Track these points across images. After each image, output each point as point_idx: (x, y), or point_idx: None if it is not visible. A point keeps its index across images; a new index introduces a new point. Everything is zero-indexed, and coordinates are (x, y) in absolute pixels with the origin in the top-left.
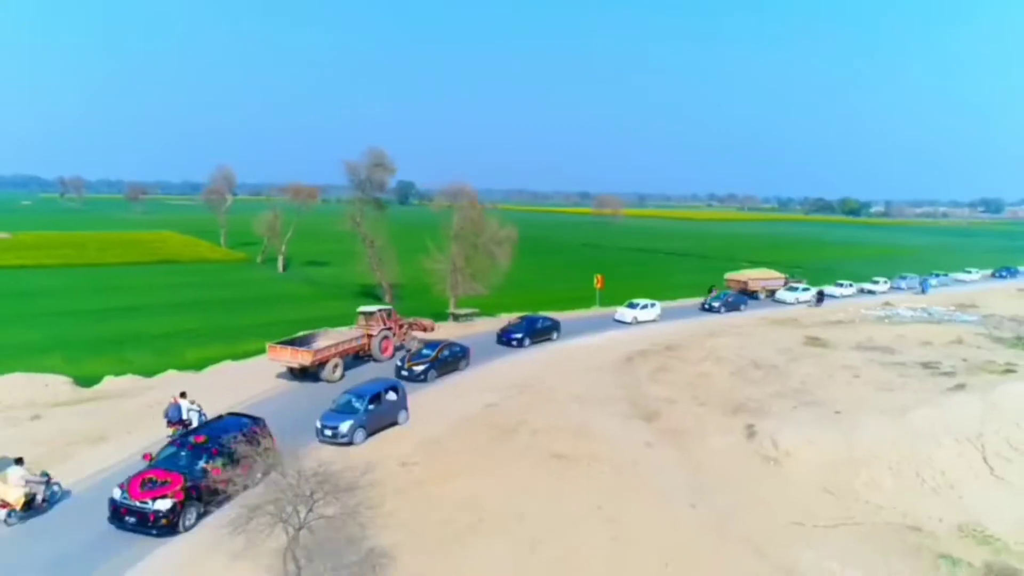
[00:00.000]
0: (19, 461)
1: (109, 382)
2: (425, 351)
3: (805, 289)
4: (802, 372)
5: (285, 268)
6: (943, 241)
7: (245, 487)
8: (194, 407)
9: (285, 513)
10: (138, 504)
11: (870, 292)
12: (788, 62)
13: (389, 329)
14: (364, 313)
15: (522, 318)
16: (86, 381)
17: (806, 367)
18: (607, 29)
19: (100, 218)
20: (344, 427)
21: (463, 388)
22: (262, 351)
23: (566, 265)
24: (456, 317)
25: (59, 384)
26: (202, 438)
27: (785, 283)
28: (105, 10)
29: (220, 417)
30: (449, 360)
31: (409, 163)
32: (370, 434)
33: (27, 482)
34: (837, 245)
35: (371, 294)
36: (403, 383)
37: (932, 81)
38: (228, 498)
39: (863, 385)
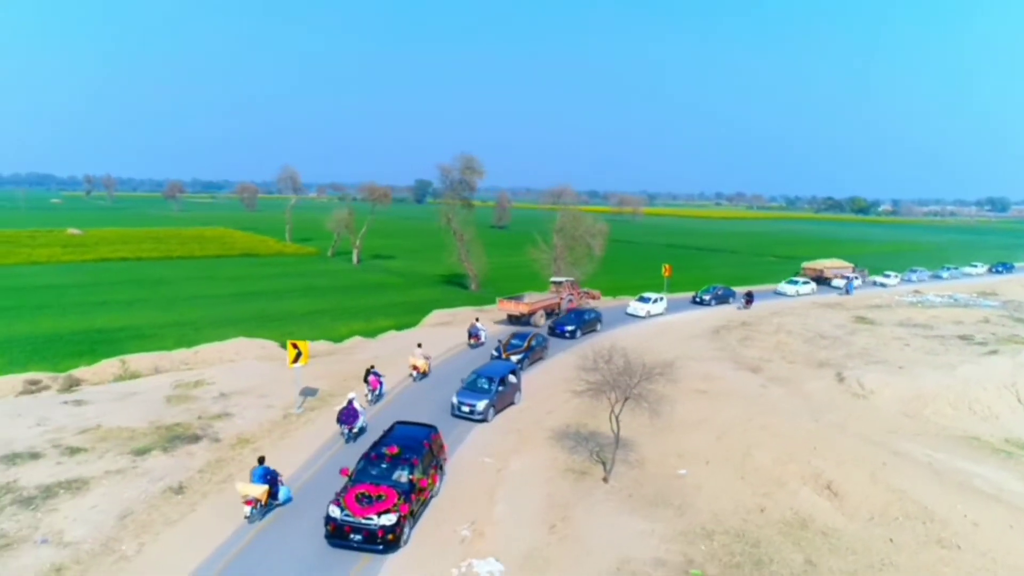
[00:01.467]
0: (261, 460)
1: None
2: (515, 341)
3: (805, 283)
4: (861, 342)
5: (359, 261)
6: (951, 238)
7: (432, 496)
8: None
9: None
10: (363, 521)
11: (881, 285)
12: (795, 63)
13: (571, 294)
14: (555, 282)
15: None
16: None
17: (863, 338)
18: (614, 29)
19: (144, 215)
20: (480, 405)
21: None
22: (394, 326)
23: (619, 258)
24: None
25: (273, 346)
26: (395, 449)
27: (854, 272)
28: (105, 10)
29: (392, 428)
30: (536, 348)
31: (423, 161)
32: (496, 412)
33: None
34: (850, 242)
35: (457, 282)
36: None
37: (939, 82)
38: (424, 507)
39: (913, 351)
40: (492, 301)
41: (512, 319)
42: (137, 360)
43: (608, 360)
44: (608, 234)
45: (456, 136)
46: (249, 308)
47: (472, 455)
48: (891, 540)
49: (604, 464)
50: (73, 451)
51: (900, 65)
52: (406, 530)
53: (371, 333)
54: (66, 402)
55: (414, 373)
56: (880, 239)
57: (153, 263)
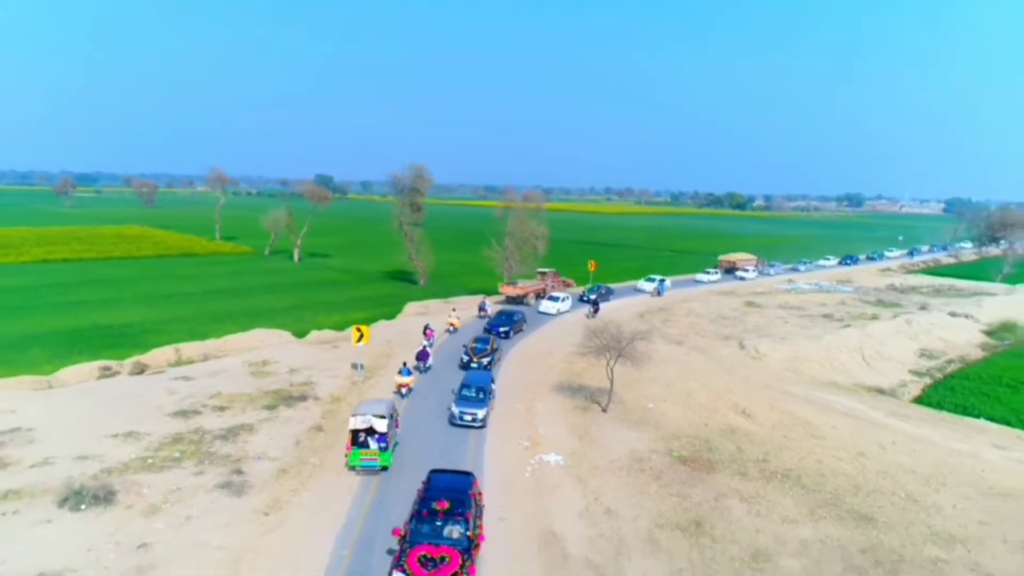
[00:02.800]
0: (405, 364)
1: (324, 333)
2: (479, 346)
3: (649, 280)
4: (753, 320)
5: (300, 259)
6: (816, 232)
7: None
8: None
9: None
10: None
11: (740, 278)
12: (677, 65)
13: (554, 282)
14: (540, 272)
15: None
16: (299, 335)
17: (754, 318)
18: (502, 24)
19: (39, 212)
20: (480, 414)
21: (533, 351)
22: (370, 319)
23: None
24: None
25: (288, 335)
26: (446, 504)
27: (756, 264)
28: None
29: (430, 479)
30: (498, 348)
31: (321, 155)
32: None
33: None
34: (732, 236)
35: (404, 278)
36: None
37: (807, 85)
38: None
39: (791, 326)
40: (442, 295)
41: (510, 300)
42: (185, 348)
43: (603, 332)
44: (548, 236)
45: (363, 130)
46: (228, 305)
47: (503, 405)
48: (784, 436)
49: (599, 403)
50: (221, 409)
51: (770, 69)
52: None
53: (360, 322)
54: (176, 378)
55: (451, 328)
56: (756, 233)
57: (96, 264)
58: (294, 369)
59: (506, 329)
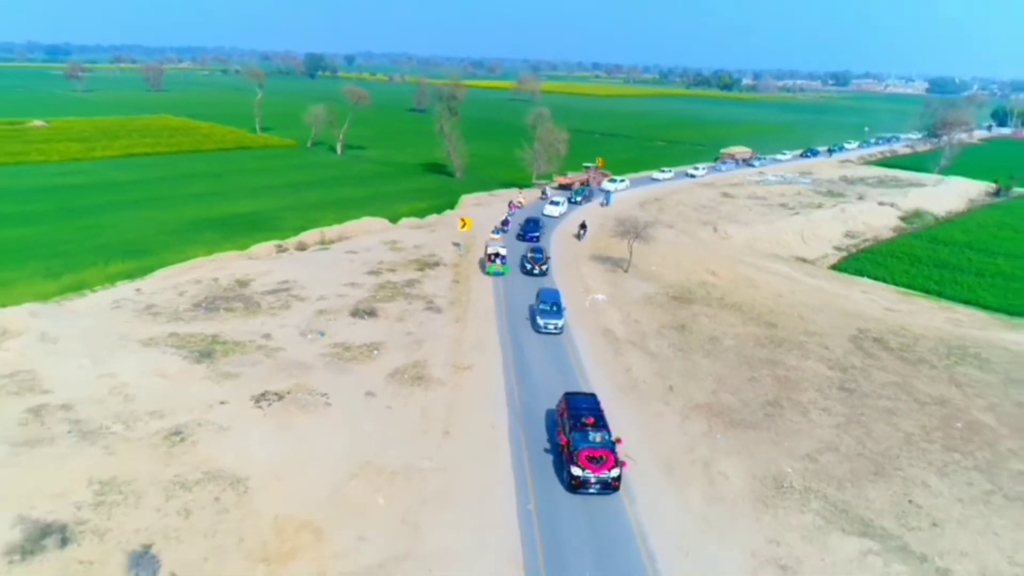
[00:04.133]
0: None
1: (412, 220)
2: (537, 256)
3: (622, 180)
4: (725, 209)
5: (343, 152)
6: (796, 119)
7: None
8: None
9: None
10: (602, 475)
11: (691, 175)
12: None
13: (596, 174)
14: (585, 166)
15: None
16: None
17: (727, 207)
18: None
19: (58, 97)
20: (560, 323)
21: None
22: (434, 208)
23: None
24: (537, 184)
25: (385, 222)
26: (592, 420)
27: (752, 156)
28: None
29: (568, 401)
30: (550, 256)
31: (311, 30)
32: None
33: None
34: (719, 124)
35: (440, 171)
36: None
37: None
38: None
39: (754, 214)
40: (479, 187)
41: (562, 186)
42: (326, 232)
43: (626, 220)
44: (568, 140)
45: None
46: (315, 196)
47: (560, 269)
48: (735, 286)
49: (622, 267)
50: (391, 270)
51: None
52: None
53: (419, 214)
54: (345, 252)
55: (520, 204)
56: (742, 120)
57: (172, 157)
58: (416, 246)
59: (536, 234)
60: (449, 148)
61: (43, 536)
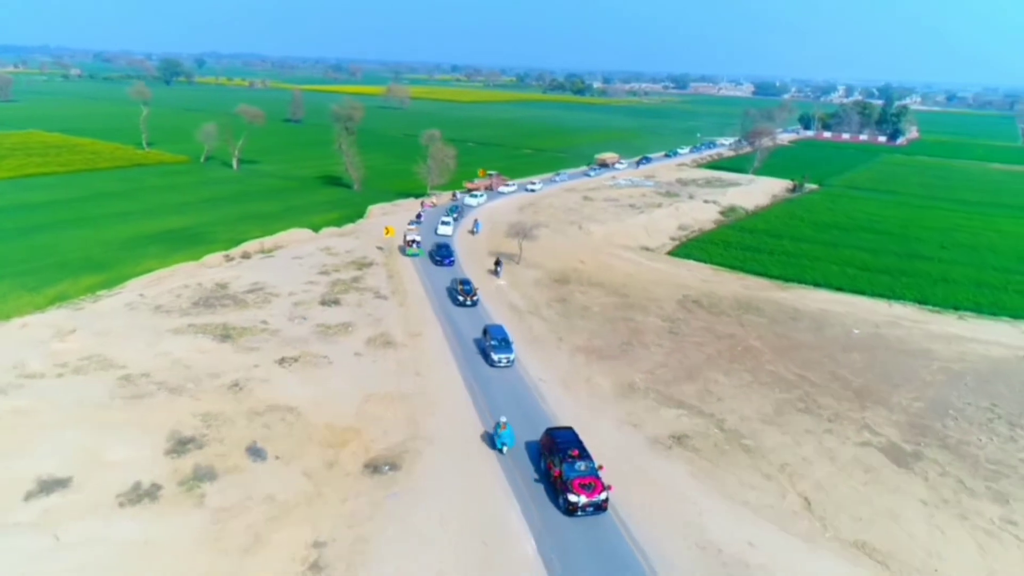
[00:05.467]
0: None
1: (336, 228)
2: (467, 288)
3: (481, 194)
4: (587, 211)
5: (239, 167)
6: (642, 124)
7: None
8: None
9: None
10: (594, 499)
11: (530, 189)
12: None
13: (498, 180)
14: (488, 173)
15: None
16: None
17: (588, 209)
18: None
19: None
20: (512, 356)
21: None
22: (347, 217)
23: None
24: (429, 195)
25: (309, 232)
26: (576, 452)
27: (619, 161)
28: None
29: (553, 436)
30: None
31: (147, 31)
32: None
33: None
34: (576, 132)
35: (338, 183)
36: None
37: None
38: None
39: (609, 214)
40: (378, 198)
41: (470, 191)
42: (271, 240)
43: (520, 224)
44: (455, 156)
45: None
46: (232, 211)
47: (467, 261)
48: (598, 269)
49: (515, 259)
50: (336, 270)
51: None
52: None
53: (334, 223)
54: (292, 258)
55: (435, 203)
56: (596, 126)
57: (66, 177)
58: (348, 251)
59: (451, 259)
60: (348, 163)
61: (187, 443)
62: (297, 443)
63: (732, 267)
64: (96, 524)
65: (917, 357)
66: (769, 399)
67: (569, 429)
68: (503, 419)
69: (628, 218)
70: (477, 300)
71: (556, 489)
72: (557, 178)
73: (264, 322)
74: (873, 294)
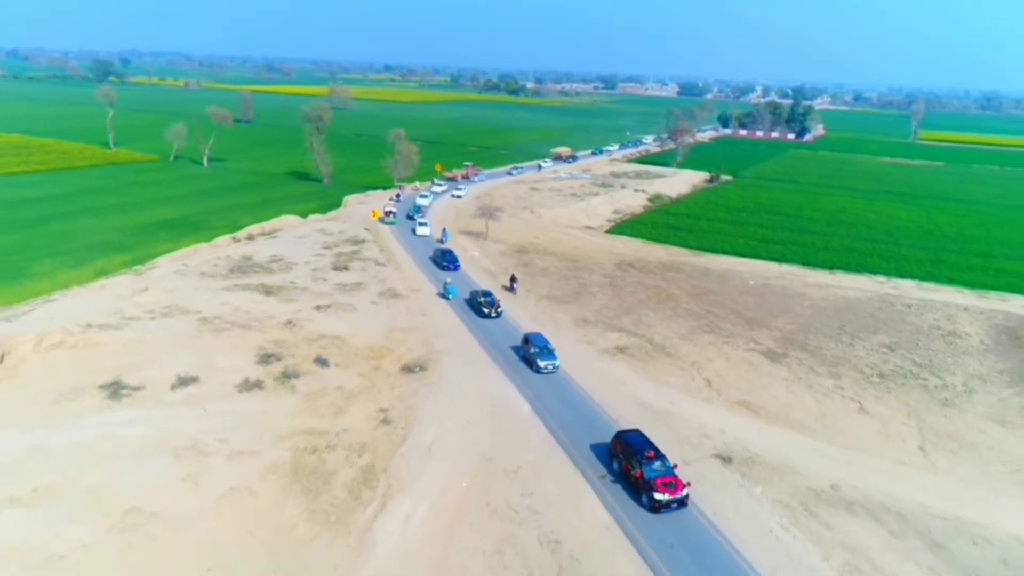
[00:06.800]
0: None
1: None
2: (490, 299)
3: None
4: (535, 199)
5: (209, 165)
6: (576, 122)
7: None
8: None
9: None
10: (679, 496)
11: (457, 195)
12: None
13: (471, 171)
14: (465, 164)
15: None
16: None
17: (536, 197)
18: None
19: None
20: (558, 362)
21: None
22: (325, 207)
23: (385, 154)
24: (397, 186)
25: (298, 219)
26: (652, 453)
27: (572, 155)
28: None
29: (627, 439)
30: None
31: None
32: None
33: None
34: (516, 129)
35: (307, 178)
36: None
37: None
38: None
39: (555, 201)
40: (348, 191)
41: (450, 179)
42: (268, 224)
43: (487, 206)
44: (419, 152)
45: None
46: (218, 202)
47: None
48: (551, 242)
49: (482, 236)
50: (336, 246)
51: None
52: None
53: (317, 211)
54: (296, 238)
55: (417, 187)
56: (534, 125)
57: (44, 175)
58: (340, 231)
59: (457, 264)
60: (318, 160)
61: (270, 357)
62: (348, 356)
63: (658, 241)
64: (227, 402)
65: (794, 298)
66: (685, 325)
67: (637, 431)
68: (448, 280)
69: (571, 204)
70: (501, 312)
71: (639, 489)
72: (515, 171)
73: (293, 282)
74: (768, 258)
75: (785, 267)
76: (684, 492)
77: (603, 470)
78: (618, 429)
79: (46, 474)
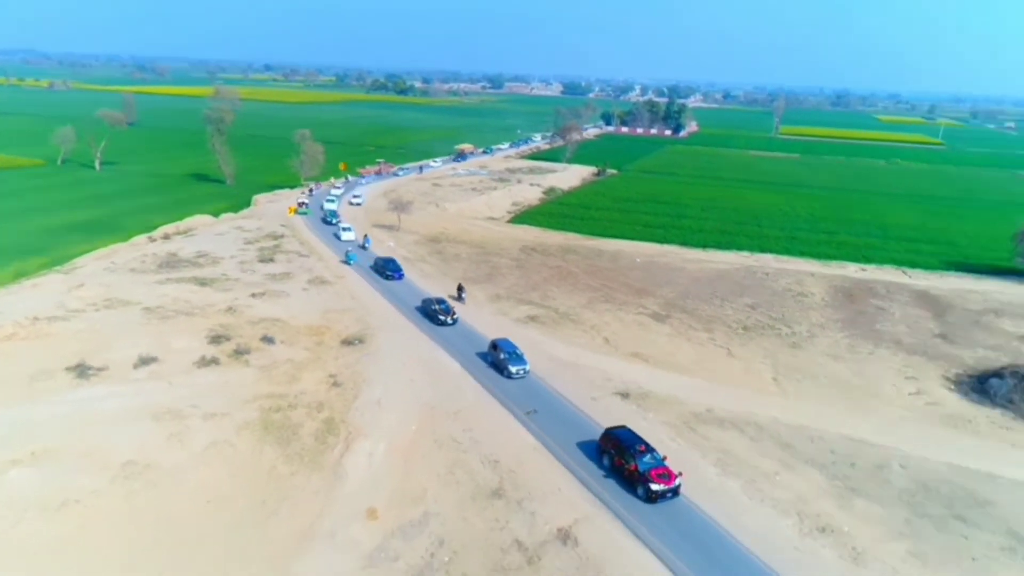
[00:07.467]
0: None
1: (228, 216)
2: (445, 307)
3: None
4: (439, 194)
5: (101, 168)
6: (467, 121)
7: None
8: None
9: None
10: (672, 486)
11: (354, 202)
12: None
13: (385, 167)
14: (378, 161)
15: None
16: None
17: (439, 192)
18: None
19: None
20: (528, 366)
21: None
22: (233, 207)
23: (284, 154)
24: (304, 184)
25: (210, 218)
26: (644, 447)
27: (474, 151)
28: None
29: (619, 435)
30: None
31: None
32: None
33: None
34: (410, 129)
35: (208, 179)
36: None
37: None
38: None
39: (457, 196)
40: (254, 190)
41: (363, 175)
42: (182, 224)
43: (398, 200)
44: (324, 155)
45: None
46: (124, 205)
47: (359, 231)
48: (460, 232)
49: (395, 228)
50: (257, 241)
51: None
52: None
53: (228, 211)
54: (216, 235)
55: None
56: (427, 125)
57: None
58: (257, 228)
59: (401, 272)
60: (221, 161)
61: (220, 337)
62: (291, 335)
63: (555, 228)
64: (189, 376)
65: (675, 271)
66: (584, 297)
67: (625, 427)
68: (349, 248)
69: (473, 198)
70: (457, 319)
71: (634, 482)
72: (425, 167)
73: (224, 275)
74: (652, 240)
75: (666, 247)
76: (677, 482)
77: (528, 408)
78: (606, 427)
79: (39, 441)
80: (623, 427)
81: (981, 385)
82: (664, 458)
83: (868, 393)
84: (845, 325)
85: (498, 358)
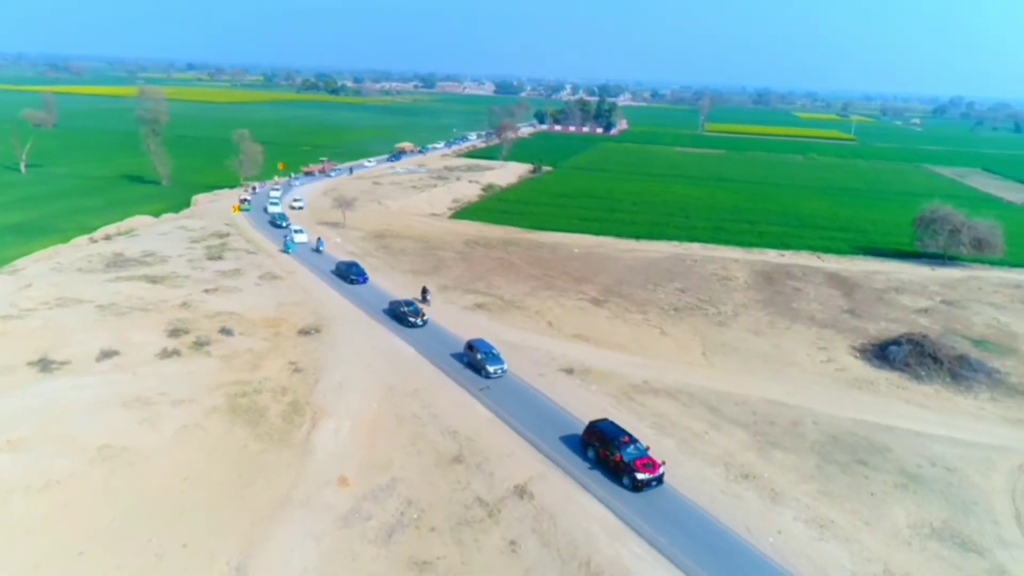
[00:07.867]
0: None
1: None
2: (414, 308)
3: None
4: (380, 192)
5: (27, 171)
6: (401, 121)
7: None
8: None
9: None
10: (657, 475)
11: (295, 205)
12: None
13: (328, 166)
14: (322, 159)
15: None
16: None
17: (380, 190)
18: None
19: None
20: (506, 365)
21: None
22: (171, 207)
23: (219, 155)
24: (244, 185)
25: (151, 219)
26: (628, 439)
27: (413, 150)
28: None
29: (602, 427)
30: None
31: None
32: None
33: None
34: (344, 128)
35: (143, 180)
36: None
37: None
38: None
39: (398, 194)
40: (190, 191)
41: (307, 174)
42: (123, 224)
43: (341, 197)
44: (263, 154)
45: None
46: (56, 207)
47: (311, 230)
48: (403, 228)
49: (341, 225)
50: (203, 239)
51: None
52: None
53: (168, 211)
54: (159, 235)
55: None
56: (361, 124)
57: None
58: (202, 227)
59: (365, 276)
60: (156, 162)
61: (179, 331)
62: (249, 327)
63: (495, 223)
64: (153, 367)
65: (611, 260)
66: (527, 285)
67: (607, 420)
68: (287, 237)
69: (414, 195)
70: (427, 320)
71: (619, 472)
72: (357, 168)
73: (174, 272)
74: (588, 232)
75: (602, 238)
76: (661, 471)
77: (482, 384)
78: (590, 420)
79: (13, 431)
80: (606, 420)
81: (882, 352)
82: (647, 448)
83: (785, 362)
84: (765, 304)
85: (475, 358)
